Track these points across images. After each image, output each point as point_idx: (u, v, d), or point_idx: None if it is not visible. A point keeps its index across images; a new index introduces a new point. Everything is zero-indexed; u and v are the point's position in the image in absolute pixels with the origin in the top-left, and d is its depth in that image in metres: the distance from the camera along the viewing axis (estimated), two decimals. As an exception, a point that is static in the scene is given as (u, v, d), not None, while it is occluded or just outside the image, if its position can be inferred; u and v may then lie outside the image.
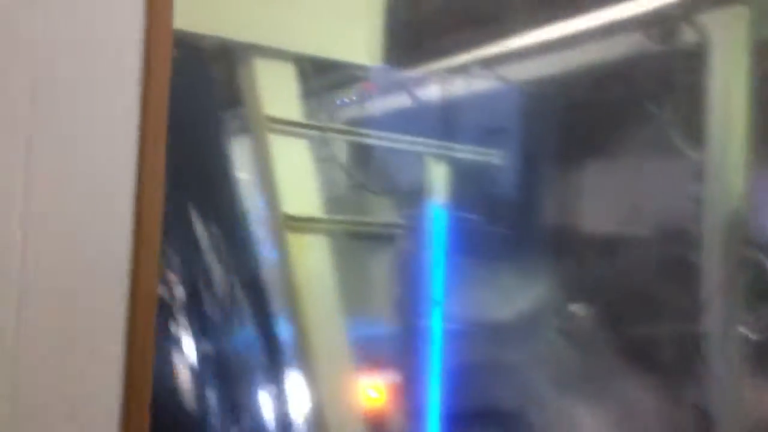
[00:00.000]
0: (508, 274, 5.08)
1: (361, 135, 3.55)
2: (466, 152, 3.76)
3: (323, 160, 3.47)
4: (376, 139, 3.54)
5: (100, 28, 1.17)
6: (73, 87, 1.14)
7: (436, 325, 3.57)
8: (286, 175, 3.32)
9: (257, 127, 3.32)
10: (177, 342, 3.23)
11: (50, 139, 1.12)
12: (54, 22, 1.13)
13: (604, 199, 4.82)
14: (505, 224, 4.99)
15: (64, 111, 1.13)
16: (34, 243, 1.10)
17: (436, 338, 3.58)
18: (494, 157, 3.87)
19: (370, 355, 4.02)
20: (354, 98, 5.45)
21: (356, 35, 3.41)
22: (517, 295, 4.96)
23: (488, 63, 4.98)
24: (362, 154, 3.83)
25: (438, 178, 3.64)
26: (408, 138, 3.58)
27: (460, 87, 4.75)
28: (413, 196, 3.62)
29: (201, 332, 3.29)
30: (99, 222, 1.15)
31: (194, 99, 3.19)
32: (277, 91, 3.31)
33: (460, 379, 3.87)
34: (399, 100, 5.70)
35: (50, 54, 1.12)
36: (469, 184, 4.34)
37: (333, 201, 3.73)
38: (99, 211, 1.16)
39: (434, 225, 3.60)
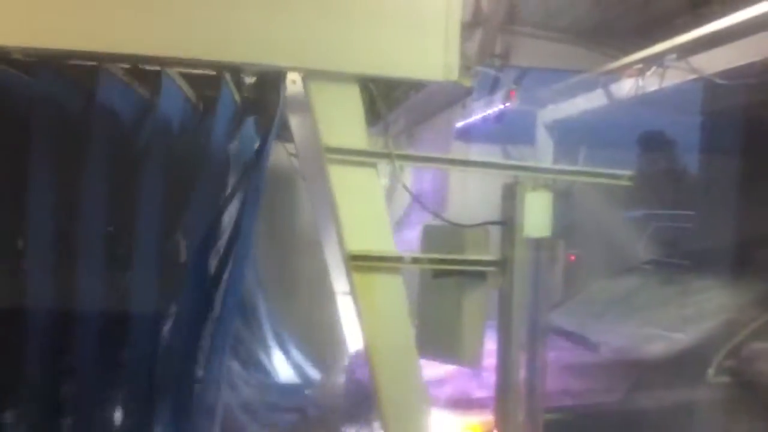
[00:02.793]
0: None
1: (432, 161, 3.05)
2: (581, 175, 3.08)
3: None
4: (454, 164, 3.04)
5: None
6: None
7: (530, 366, 3.10)
8: (350, 211, 3.04)
9: (321, 159, 3.06)
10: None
11: None
12: None
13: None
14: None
15: None
16: None
17: (532, 378, 3.12)
18: (622, 179, 3.12)
19: (464, 396, 3.66)
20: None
21: (428, 50, 2.94)
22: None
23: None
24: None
25: (538, 207, 3.06)
26: (496, 162, 3.03)
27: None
28: (505, 227, 3.10)
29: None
30: None
31: None
32: (335, 118, 2.99)
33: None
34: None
35: None
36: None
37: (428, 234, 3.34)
38: None
39: (530, 260, 3.07)
